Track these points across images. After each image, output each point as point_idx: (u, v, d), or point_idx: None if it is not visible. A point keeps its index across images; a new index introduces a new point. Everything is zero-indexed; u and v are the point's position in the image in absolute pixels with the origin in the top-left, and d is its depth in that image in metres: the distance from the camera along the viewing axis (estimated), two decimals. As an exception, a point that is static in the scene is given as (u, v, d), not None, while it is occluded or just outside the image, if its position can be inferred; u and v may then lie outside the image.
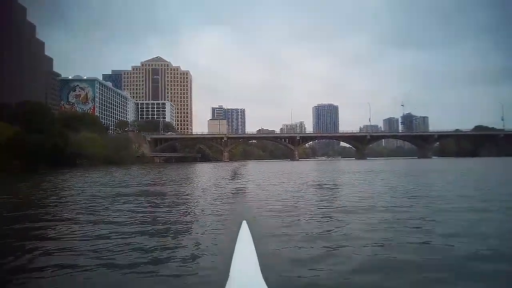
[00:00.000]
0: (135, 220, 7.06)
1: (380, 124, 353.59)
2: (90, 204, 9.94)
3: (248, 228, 1.86)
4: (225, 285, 1.25)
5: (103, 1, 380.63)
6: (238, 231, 1.82)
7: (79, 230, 6.30)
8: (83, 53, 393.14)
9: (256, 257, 1.49)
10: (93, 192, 13.95)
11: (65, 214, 8.34)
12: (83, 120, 76.07)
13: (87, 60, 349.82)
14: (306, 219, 7.29)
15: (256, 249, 1.58)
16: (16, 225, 7.40)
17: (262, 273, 1.35)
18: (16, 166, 44.55)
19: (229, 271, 1.35)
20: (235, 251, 1.55)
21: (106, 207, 9.39)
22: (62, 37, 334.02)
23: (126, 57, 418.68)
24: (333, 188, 14.96)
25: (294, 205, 9.29)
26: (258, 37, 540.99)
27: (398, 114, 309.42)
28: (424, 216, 7.17)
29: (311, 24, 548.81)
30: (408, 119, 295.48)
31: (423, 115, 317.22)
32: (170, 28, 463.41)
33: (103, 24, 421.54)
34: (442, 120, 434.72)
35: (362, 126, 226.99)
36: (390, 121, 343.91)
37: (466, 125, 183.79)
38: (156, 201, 10.86)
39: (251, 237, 1.75)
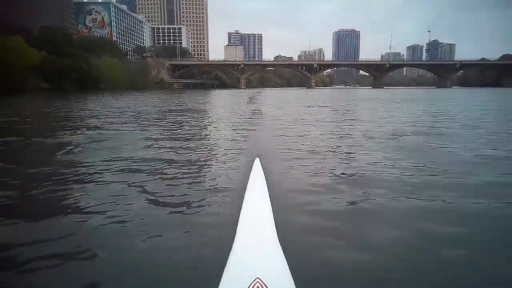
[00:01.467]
0: (150, 149, 6.50)
1: (404, 52, 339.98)
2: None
3: (260, 165, 1.87)
4: (237, 224, 1.23)
5: None
6: (251, 167, 1.82)
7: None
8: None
9: (268, 195, 1.49)
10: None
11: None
12: (102, 45, 77.25)
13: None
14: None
15: (268, 185, 1.60)
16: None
17: (273, 213, 1.34)
18: (45, 87, 48.01)
19: (241, 210, 1.35)
20: (247, 189, 1.57)
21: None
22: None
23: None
24: (318, 112, 16.70)
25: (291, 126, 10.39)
26: None
27: (424, 41, 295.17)
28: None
29: None
30: (433, 46, 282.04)
31: (450, 43, 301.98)
32: None
33: None
34: (470, 48, 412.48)
35: (384, 54, 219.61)
36: (414, 49, 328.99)
37: (494, 54, 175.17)
38: (175, 129, 9.86)
39: (263, 174, 1.78)
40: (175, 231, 2.71)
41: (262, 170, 1.82)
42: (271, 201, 1.42)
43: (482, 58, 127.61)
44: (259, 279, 0.91)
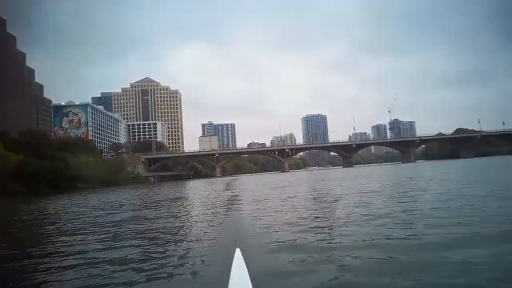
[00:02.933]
0: (132, 245, 6.81)
1: (369, 131, 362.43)
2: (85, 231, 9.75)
3: (241, 256, 1.87)
4: None
5: (80, 21, 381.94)
6: (232, 258, 1.84)
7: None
8: (66, 77, 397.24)
9: (250, 284, 1.50)
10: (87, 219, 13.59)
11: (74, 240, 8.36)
12: (78, 144, 78.92)
13: (71, 85, 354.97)
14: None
15: (250, 276, 1.60)
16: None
17: None
18: (20, 191, 47.72)
19: None
20: (230, 281, 1.56)
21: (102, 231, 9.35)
22: (49, 62, 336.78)
23: (109, 78, 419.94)
24: (296, 193, 18.85)
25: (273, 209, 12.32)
26: (236, 49, 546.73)
27: (385, 120, 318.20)
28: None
29: (286, 35, 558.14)
30: (395, 124, 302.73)
31: (410, 120, 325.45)
32: (148, 47, 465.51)
33: (81, 44, 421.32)
34: (427, 123, 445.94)
35: (351, 134, 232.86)
36: (378, 128, 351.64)
37: (449, 128, 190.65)
38: (152, 223, 10.27)
39: (245, 266, 1.76)
40: None
41: (243, 261, 1.83)
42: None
43: (439, 132, 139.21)
44: None
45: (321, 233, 6.73)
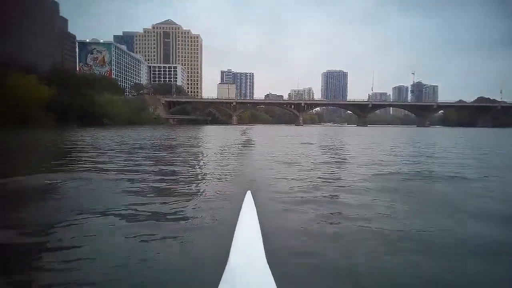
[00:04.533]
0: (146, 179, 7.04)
1: (390, 92, 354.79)
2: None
3: (252, 199, 1.87)
4: (227, 260, 1.18)
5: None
6: (243, 201, 1.86)
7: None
8: (88, 12, 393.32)
9: (260, 232, 1.47)
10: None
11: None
12: (103, 83, 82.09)
13: (93, 21, 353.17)
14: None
15: (260, 221, 1.59)
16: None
17: (264, 247, 1.32)
18: (52, 123, 52.09)
19: (231, 245, 1.31)
20: (238, 224, 1.56)
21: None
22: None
23: (129, 16, 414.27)
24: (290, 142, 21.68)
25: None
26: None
27: (408, 82, 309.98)
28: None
29: None
30: (417, 87, 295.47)
31: (434, 84, 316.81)
32: None
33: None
34: (451, 90, 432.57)
35: (370, 93, 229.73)
36: (400, 89, 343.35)
37: (471, 96, 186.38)
38: (170, 161, 10.98)
39: (255, 209, 1.77)
40: (164, 264, 2.87)
41: (253, 204, 1.80)
42: (263, 237, 1.41)
43: (460, 100, 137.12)
44: None
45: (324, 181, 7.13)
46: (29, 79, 50.57)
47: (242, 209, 1.76)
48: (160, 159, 11.35)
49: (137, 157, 11.89)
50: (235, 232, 1.44)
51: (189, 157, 12.57)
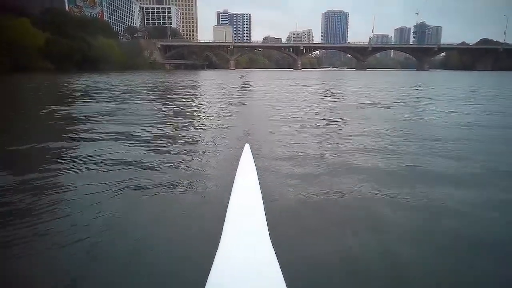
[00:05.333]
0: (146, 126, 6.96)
1: (391, 34, 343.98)
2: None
3: (250, 152, 1.87)
4: (225, 214, 1.17)
5: None
6: (241, 153, 1.85)
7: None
8: None
9: (258, 183, 1.47)
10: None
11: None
12: (95, 25, 78.57)
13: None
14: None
15: (258, 171, 1.60)
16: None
17: (262, 193, 1.34)
18: (50, 68, 51.68)
19: (229, 198, 1.30)
20: (236, 176, 1.56)
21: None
22: None
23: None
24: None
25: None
26: None
27: (411, 23, 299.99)
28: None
29: None
30: (420, 29, 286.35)
31: (438, 25, 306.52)
32: None
33: None
34: (455, 32, 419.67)
35: (371, 36, 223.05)
36: (402, 31, 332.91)
37: (476, 38, 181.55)
38: (170, 107, 10.94)
39: (252, 160, 1.78)
40: (161, 217, 2.79)
41: (252, 157, 1.82)
42: (261, 189, 1.40)
43: (463, 42, 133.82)
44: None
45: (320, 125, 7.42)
46: (22, 22, 48.90)
47: (240, 162, 1.78)
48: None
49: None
50: (233, 187, 1.43)
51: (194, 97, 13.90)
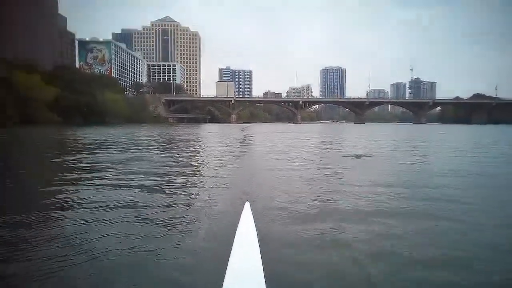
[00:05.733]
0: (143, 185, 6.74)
1: (388, 89, 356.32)
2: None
3: (250, 210, 1.87)
4: (225, 271, 1.19)
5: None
6: (241, 212, 1.85)
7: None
8: (86, 10, 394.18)
9: (257, 244, 1.46)
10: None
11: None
12: (104, 81, 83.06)
13: (91, 19, 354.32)
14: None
15: (257, 232, 1.60)
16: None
17: (261, 258, 1.34)
18: (57, 121, 53.51)
19: (229, 256, 1.32)
20: (236, 236, 1.54)
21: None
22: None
23: (127, 14, 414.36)
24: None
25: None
26: None
27: (406, 79, 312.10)
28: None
29: None
30: (415, 84, 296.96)
31: (432, 81, 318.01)
32: None
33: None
34: (449, 86, 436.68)
35: (368, 91, 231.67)
36: (398, 86, 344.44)
37: (469, 92, 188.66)
38: (169, 162, 10.83)
39: (253, 221, 1.75)
40: (161, 279, 2.84)
41: (251, 216, 1.81)
42: (260, 250, 1.41)
43: (457, 96, 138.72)
44: None
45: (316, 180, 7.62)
46: (34, 78, 51.78)
47: (240, 221, 1.78)
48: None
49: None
50: (232, 249, 1.44)
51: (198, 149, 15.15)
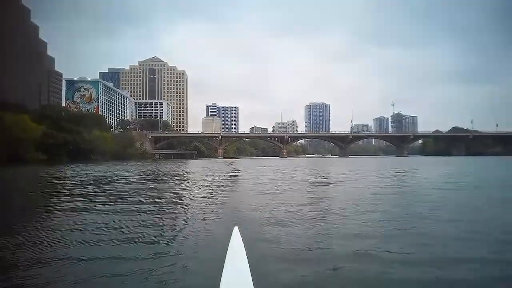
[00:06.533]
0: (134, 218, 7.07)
1: (371, 123, 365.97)
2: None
3: (239, 235, 1.85)
4: None
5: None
6: (230, 237, 1.83)
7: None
8: (73, 51, 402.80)
9: (248, 268, 1.46)
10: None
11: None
12: (90, 119, 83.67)
13: (79, 59, 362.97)
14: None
15: (248, 257, 1.59)
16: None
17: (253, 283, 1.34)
18: (43, 159, 53.39)
19: (220, 283, 1.32)
20: (226, 261, 1.53)
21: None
22: (59, 35, 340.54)
23: (113, 54, 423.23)
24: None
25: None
26: (237, 31, 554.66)
27: (388, 113, 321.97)
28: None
29: (289, 20, 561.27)
30: (397, 118, 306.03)
31: (413, 115, 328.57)
32: (149, 24, 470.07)
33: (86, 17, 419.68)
34: (430, 119, 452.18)
35: (352, 125, 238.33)
36: (380, 120, 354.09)
37: (449, 126, 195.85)
38: (157, 195, 11.81)
39: (242, 245, 1.74)
40: None
41: (241, 240, 1.79)
42: (251, 272, 1.42)
43: (436, 130, 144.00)
44: None
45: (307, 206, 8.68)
46: (23, 118, 52.34)
47: (230, 246, 1.77)
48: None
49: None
50: (224, 267, 1.47)
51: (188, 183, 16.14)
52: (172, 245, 4.88)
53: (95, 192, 12.82)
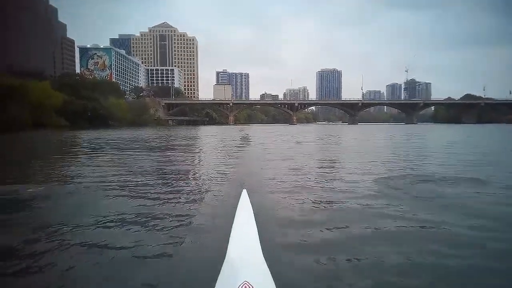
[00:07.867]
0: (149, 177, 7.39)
1: (384, 90, 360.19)
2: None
3: (248, 197, 1.89)
4: (224, 257, 1.25)
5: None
6: (239, 199, 1.88)
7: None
8: (83, 16, 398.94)
9: (256, 228, 1.49)
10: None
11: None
12: (105, 86, 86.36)
13: (89, 25, 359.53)
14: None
15: (255, 218, 1.63)
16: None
17: (260, 243, 1.39)
18: (65, 125, 56.68)
19: (228, 241, 1.37)
20: (234, 221, 1.58)
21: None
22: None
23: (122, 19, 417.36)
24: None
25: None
26: None
27: (402, 80, 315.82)
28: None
29: None
30: (411, 85, 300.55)
31: (427, 81, 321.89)
32: None
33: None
34: (444, 86, 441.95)
35: (364, 92, 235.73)
36: (393, 87, 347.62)
37: (463, 92, 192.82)
38: (170, 159, 12.08)
39: (251, 207, 1.80)
40: (164, 261, 2.93)
41: (249, 202, 1.84)
42: (259, 233, 1.47)
43: (448, 97, 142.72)
44: (247, 282, 1.04)
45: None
46: (44, 85, 55.17)
47: (238, 207, 1.85)
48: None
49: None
50: (233, 227, 1.55)
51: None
52: (180, 201, 5.16)
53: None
